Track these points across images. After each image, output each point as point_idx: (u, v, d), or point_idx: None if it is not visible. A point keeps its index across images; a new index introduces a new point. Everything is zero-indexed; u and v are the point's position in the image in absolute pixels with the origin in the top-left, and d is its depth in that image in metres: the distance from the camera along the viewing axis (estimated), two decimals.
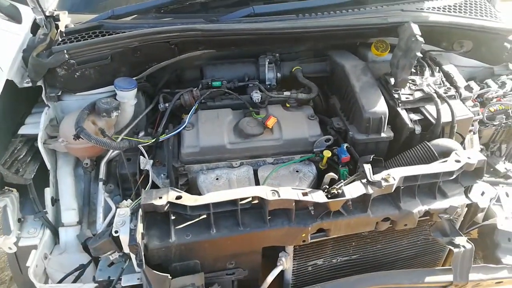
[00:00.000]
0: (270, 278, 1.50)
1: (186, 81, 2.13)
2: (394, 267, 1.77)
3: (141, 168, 1.80)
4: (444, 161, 1.57)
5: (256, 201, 1.40)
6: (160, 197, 1.37)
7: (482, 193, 1.66)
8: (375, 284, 1.59)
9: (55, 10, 2.00)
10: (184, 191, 1.77)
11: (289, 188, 1.41)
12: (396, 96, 1.76)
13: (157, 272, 1.32)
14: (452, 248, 1.60)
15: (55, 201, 1.78)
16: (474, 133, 1.88)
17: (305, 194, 1.38)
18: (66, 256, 1.68)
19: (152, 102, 1.97)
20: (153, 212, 1.39)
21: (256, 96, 1.87)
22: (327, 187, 1.42)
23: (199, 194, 1.78)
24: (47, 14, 1.93)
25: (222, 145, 1.72)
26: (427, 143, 1.64)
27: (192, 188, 1.80)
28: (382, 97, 1.71)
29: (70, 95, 1.87)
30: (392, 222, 1.52)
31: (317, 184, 1.74)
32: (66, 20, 2.00)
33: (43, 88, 1.80)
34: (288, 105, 1.89)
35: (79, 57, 1.75)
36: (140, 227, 1.31)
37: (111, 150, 1.83)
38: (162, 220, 1.42)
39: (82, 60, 1.77)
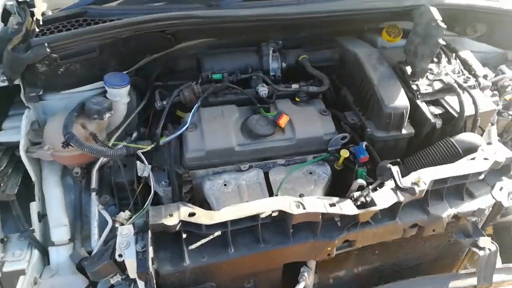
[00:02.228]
0: None
1: (179, 72, 1.93)
2: (415, 272, 1.69)
3: (139, 175, 1.62)
4: (471, 159, 1.47)
5: (276, 214, 1.27)
6: (171, 215, 1.21)
7: (501, 188, 1.58)
8: None
9: None
10: (188, 200, 1.64)
11: (314, 198, 1.28)
12: (414, 87, 1.64)
13: None
14: (477, 250, 1.53)
15: (42, 216, 1.58)
16: (492, 124, 1.78)
17: (332, 205, 1.25)
18: (58, 279, 1.51)
19: (144, 98, 1.77)
20: (162, 232, 1.23)
21: (263, 90, 1.70)
22: (355, 195, 1.29)
23: (205, 201, 1.64)
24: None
25: (230, 148, 1.56)
26: (451, 139, 1.53)
27: (196, 196, 1.64)
28: (402, 90, 1.58)
29: (53, 93, 1.65)
30: (420, 228, 1.42)
31: (331, 185, 1.62)
32: (42, 6, 1.75)
33: (22, 87, 1.57)
34: (297, 99, 1.73)
35: (63, 50, 1.53)
36: (150, 251, 1.15)
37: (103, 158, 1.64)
38: (172, 239, 1.27)
39: (66, 54, 1.54)
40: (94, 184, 1.63)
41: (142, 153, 1.57)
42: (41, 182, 1.61)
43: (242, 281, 1.36)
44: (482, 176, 1.44)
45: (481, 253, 1.49)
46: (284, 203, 1.24)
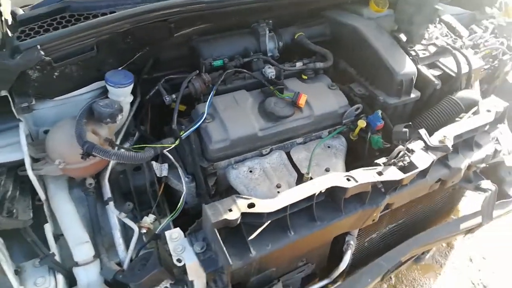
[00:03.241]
0: (344, 264, 1.43)
1: (164, 63, 1.82)
2: (426, 223, 1.83)
3: (158, 175, 1.53)
4: (474, 113, 1.60)
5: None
6: (230, 210, 1.16)
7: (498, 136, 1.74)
8: (423, 243, 1.62)
9: None
10: (214, 192, 1.59)
11: (360, 170, 1.31)
12: (413, 53, 1.72)
13: None
14: (482, 192, 1.69)
15: (58, 237, 1.43)
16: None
17: (380, 173, 1.29)
18: None
19: (137, 93, 1.65)
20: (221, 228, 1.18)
21: (271, 71, 1.67)
22: (395, 161, 1.35)
23: (230, 191, 1.60)
24: None
25: (254, 134, 1.53)
26: (453, 97, 1.65)
27: (219, 186, 1.60)
28: (407, 57, 1.65)
29: (44, 101, 1.47)
30: (442, 182, 1.53)
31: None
32: (7, 4, 1.52)
33: (10, 99, 1.37)
34: (305, 76, 1.73)
35: (56, 51, 1.35)
36: (223, 249, 1.10)
37: (112, 163, 1.52)
38: (230, 233, 1.22)
39: (60, 56, 1.37)
40: (109, 193, 1.50)
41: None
42: (48, 200, 1.44)
43: (297, 261, 1.37)
44: (487, 127, 1.58)
45: (485, 194, 1.65)
46: (336, 179, 1.26)
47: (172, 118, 1.51)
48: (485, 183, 1.71)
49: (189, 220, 1.41)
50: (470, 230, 1.70)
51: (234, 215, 1.15)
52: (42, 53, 1.30)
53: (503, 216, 1.82)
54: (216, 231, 1.12)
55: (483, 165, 1.63)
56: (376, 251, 1.67)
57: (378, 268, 1.46)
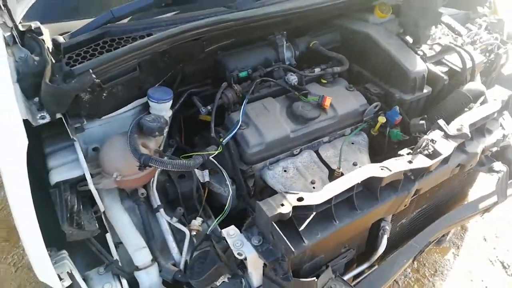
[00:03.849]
0: (382, 248, 1.55)
1: (188, 77, 1.95)
2: (447, 206, 1.98)
3: (201, 181, 1.65)
4: (482, 103, 1.76)
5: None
6: (282, 204, 1.29)
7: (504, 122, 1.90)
8: (448, 223, 1.76)
9: (20, 23, 1.64)
10: (253, 192, 1.72)
11: (393, 160, 1.45)
12: (420, 53, 1.88)
13: (305, 279, 1.28)
14: (495, 173, 1.85)
15: (117, 245, 1.53)
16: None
17: (410, 162, 1.43)
18: None
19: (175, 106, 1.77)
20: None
21: (293, 78, 1.82)
22: (421, 150, 1.49)
23: (265, 191, 1.73)
24: (21, 28, 1.58)
25: (286, 136, 1.66)
26: (462, 90, 1.81)
27: (257, 188, 1.72)
28: (417, 56, 1.81)
29: (92, 121, 1.58)
30: (461, 166, 1.68)
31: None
32: (46, 33, 1.65)
33: (64, 120, 1.48)
34: (324, 80, 1.88)
35: (104, 74, 1.47)
36: (283, 239, 1.22)
37: (157, 173, 1.63)
38: (282, 226, 1.34)
39: (108, 77, 1.49)
40: (158, 201, 1.61)
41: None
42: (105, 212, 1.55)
43: (341, 248, 1.49)
44: (496, 114, 1.74)
45: (498, 175, 1.81)
46: (372, 170, 1.39)
47: (210, 128, 1.64)
48: (497, 165, 1.86)
49: (229, 221, 1.54)
50: (487, 209, 1.85)
51: (286, 208, 1.27)
52: (94, 76, 1.42)
53: None
54: (274, 224, 1.24)
55: (495, 148, 1.78)
56: (406, 235, 1.80)
57: (411, 249, 1.59)
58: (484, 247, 2.53)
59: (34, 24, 1.63)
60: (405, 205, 1.53)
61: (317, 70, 1.89)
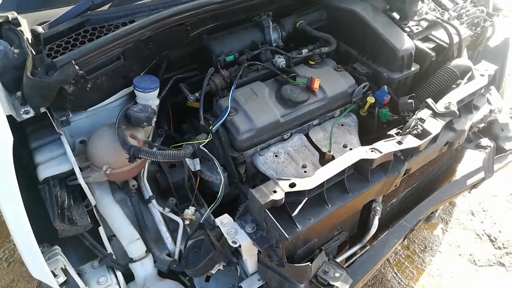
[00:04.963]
0: (374, 229, 1.58)
1: (173, 63, 1.91)
2: (436, 184, 2.01)
3: (192, 170, 1.64)
4: (469, 79, 1.76)
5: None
6: (275, 191, 1.29)
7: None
8: (438, 201, 1.80)
9: None
10: (245, 178, 1.72)
11: (382, 142, 1.45)
12: (408, 29, 1.86)
13: (300, 265, 1.30)
14: (482, 150, 1.88)
15: (110, 238, 1.53)
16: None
17: (400, 142, 1.44)
18: None
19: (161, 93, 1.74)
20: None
21: (281, 61, 1.79)
22: (410, 130, 1.50)
23: (256, 177, 1.73)
24: None
25: (276, 121, 1.65)
26: (449, 66, 1.81)
27: (248, 174, 1.72)
28: (404, 33, 1.79)
29: (78, 113, 1.55)
30: (450, 144, 1.70)
31: None
32: (24, 23, 1.59)
33: (49, 114, 1.45)
34: (312, 62, 1.86)
35: (87, 65, 1.43)
36: (277, 226, 1.23)
37: (148, 164, 1.62)
38: (275, 212, 1.35)
39: (91, 68, 1.45)
40: (150, 192, 1.61)
41: None
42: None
43: (334, 231, 1.52)
44: (483, 90, 1.75)
45: (486, 151, 1.83)
46: (362, 153, 1.40)
47: (198, 115, 1.62)
48: (484, 141, 1.89)
49: (222, 208, 1.54)
50: (475, 185, 1.89)
51: (279, 195, 1.27)
52: (77, 67, 1.38)
53: (502, 169, 2.02)
54: (267, 211, 1.25)
55: (483, 124, 1.80)
56: (397, 214, 1.84)
57: (402, 229, 1.63)
58: (471, 221, 2.60)
59: (11, 15, 1.56)
60: (396, 185, 1.55)
61: (304, 51, 1.86)
